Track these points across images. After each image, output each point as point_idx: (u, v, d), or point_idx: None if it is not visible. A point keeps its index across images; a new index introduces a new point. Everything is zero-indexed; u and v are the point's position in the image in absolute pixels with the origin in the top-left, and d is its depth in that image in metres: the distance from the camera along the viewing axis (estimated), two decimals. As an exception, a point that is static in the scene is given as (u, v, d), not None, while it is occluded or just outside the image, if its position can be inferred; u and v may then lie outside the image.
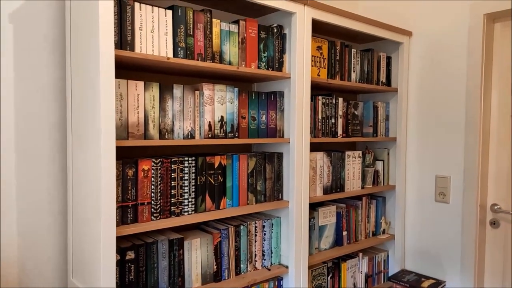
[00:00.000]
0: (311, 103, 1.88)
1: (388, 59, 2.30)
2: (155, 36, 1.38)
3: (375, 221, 2.32)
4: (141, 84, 1.38)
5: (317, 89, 2.16)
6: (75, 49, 1.40)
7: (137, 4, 1.34)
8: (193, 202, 1.53)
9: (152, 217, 1.43)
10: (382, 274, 2.36)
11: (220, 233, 1.63)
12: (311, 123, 1.89)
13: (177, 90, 1.47)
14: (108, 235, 1.25)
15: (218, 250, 1.62)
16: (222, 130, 1.59)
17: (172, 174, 1.47)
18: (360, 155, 2.16)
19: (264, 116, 1.73)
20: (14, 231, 1.45)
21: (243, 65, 1.63)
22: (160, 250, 1.45)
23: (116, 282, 1.35)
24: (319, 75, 1.90)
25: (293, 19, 1.73)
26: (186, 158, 1.50)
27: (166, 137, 1.44)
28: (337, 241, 2.11)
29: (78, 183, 1.41)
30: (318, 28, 2.02)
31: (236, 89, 1.63)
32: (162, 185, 1.45)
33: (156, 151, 1.68)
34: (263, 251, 1.78)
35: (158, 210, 1.44)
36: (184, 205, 1.50)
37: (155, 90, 1.41)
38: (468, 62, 2.04)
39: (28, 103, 1.47)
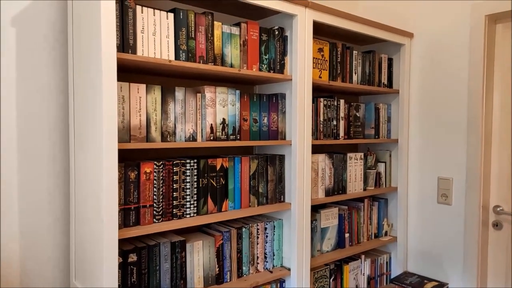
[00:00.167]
0: (312, 105, 1.88)
1: (390, 60, 2.30)
2: (156, 39, 1.39)
3: (377, 223, 2.32)
4: (143, 87, 1.38)
5: (318, 91, 2.16)
6: (77, 50, 1.40)
7: (138, 7, 1.34)
8: (195, 205, 1.53)
9: (154, 219, 1.43)
10: (385, 276, 2.35)
11: (222, 236, 1.63)
12: (312, 125, 1.89)
13: (179, 93, 1.47)
14: (111, 237, 1.25)
15: (220, 253, 1.62)
16: (223, 132, 1.59)
17: (174, 177, 1.47)
18: (362, 157, 2.16)
19: (265, 118, 1.74)
20: (15, 231, 1.46)
21: (245, 68, 1.63)
22: (162, 253, 1.45)
23: (118, 285, 1.35)
24: (320, 77, 1.90)
25: (294, 21, 1.73)
26: (188, 161, 1.50)
27: (168, 139, 1.45)
28: (339, 243, 2.10)
29: (80, 184, 1.41)
30: (319, 30, 2.02)
31: (237, 92, 1.63)
32: (164, 187, 1.45)
33: (158, 154, 1.68)
34: (265, 253, 1.77)
35: (160, 213, 1.44)
36: (186, 208, 1.50)
37: (157, 93, 1.42)
38: (470, 63, 2.03)
39: (29, 103, 1.48)
